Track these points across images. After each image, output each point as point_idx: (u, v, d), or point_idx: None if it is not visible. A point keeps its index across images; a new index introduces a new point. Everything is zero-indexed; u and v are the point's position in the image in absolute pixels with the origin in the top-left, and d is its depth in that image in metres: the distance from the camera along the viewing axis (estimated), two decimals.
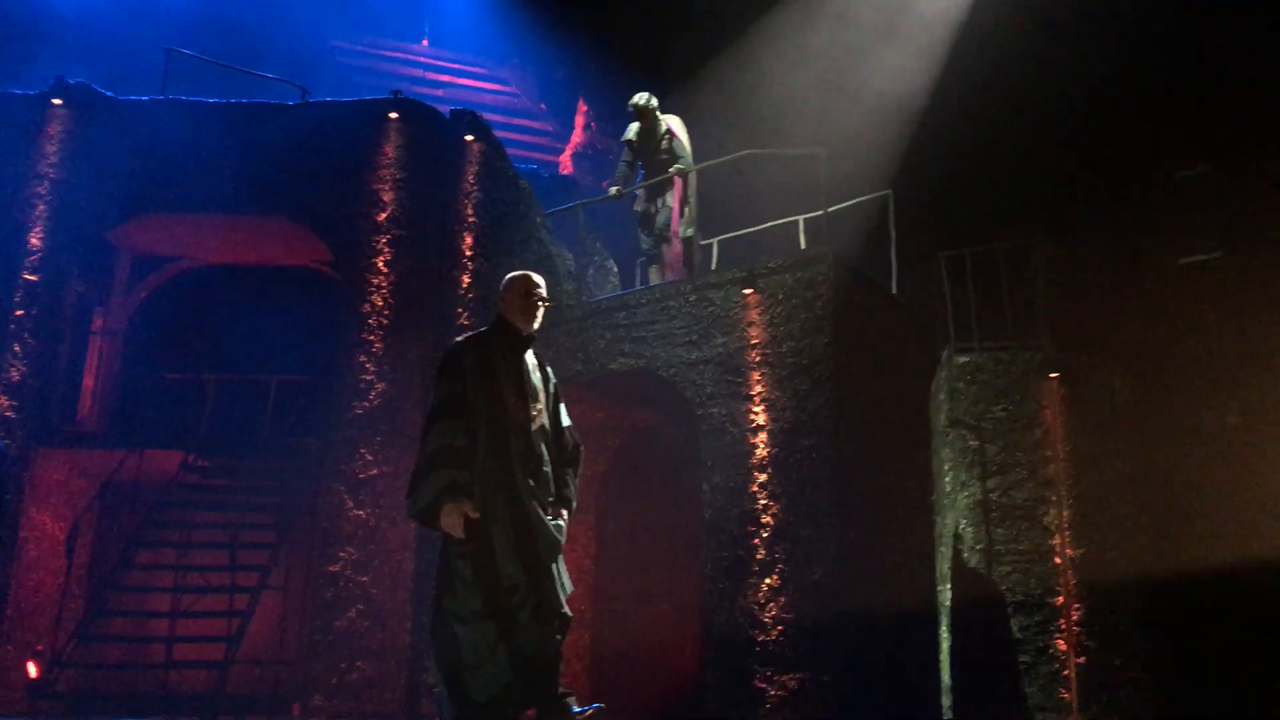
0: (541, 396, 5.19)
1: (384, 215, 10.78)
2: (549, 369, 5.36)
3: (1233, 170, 10.72)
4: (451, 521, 4.88)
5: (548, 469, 5.10)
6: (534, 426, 5.09)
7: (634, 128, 10.70)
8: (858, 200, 10.24)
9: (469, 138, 11.07)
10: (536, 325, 5.25)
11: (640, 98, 10.57)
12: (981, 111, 13.33)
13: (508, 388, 5.06)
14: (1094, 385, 9.97)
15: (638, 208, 10.67)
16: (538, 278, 5.31)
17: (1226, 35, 11.78)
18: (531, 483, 4.99)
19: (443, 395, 5.03)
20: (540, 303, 5.23)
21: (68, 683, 10.20)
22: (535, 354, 5.29)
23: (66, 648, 9.83)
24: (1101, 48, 12.54)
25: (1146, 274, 10.91)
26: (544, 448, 5.11)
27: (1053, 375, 9.93)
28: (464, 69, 18.78)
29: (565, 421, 5.29)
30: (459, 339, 5.25)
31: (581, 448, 5.37)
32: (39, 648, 10.25)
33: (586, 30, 17.04)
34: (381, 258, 10.63)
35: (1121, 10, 12.44)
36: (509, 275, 5.37)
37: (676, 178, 10.33)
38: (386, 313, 10.49)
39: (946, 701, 9.50)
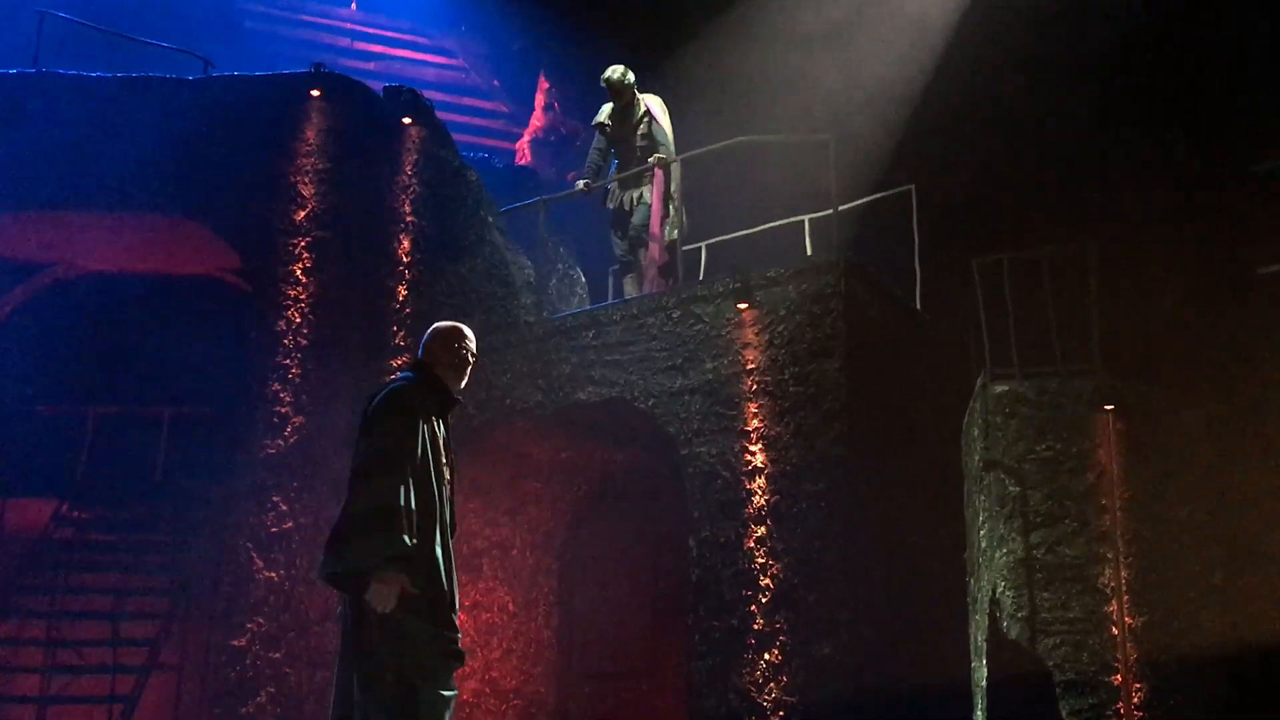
0: (450, 472, 5.45)
1: (303, 213, 10.73)
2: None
3: None
4: (386, 594, 4.94)
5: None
6: (451, 504, 5.39)
7: (607, 109, 10.72)
8: (875, 197, 10.26)
9: (406, 120, 11.07)
10: (463, 385, 5.61)
11: (615, 71, 10.58)
12: (1022, 91, 13.39)
13: (440, 453, 5.31)
14: (1158, 419, 9.99)
15: (610, 204, 10.70)
16: (469, 331, 5.64)
17: None
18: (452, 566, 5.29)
19: (389, 443, 5.14)
20: (470, 360, 5.57)
21: None
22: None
23: None
24: (1166, 18, 12.63)
25: (1220, 285, 10.94)
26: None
27: (1108, 407, 9.95)
28: (400, 38, 18.82)
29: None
30: (401, 380, 5.41)
31: None
32: None
33: None
34: (300, 265, 10.57)
35: None
36: (437, 325, 5.69)
37: (657, 169, 10.32)
38: (306, 331, 10.43)
39: None
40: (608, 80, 10.61)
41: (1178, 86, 12.45)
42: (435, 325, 5.69)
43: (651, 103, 10.66)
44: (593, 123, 10.92)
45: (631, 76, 10.62)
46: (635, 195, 10.49)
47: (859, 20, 15.00)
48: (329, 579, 5.15)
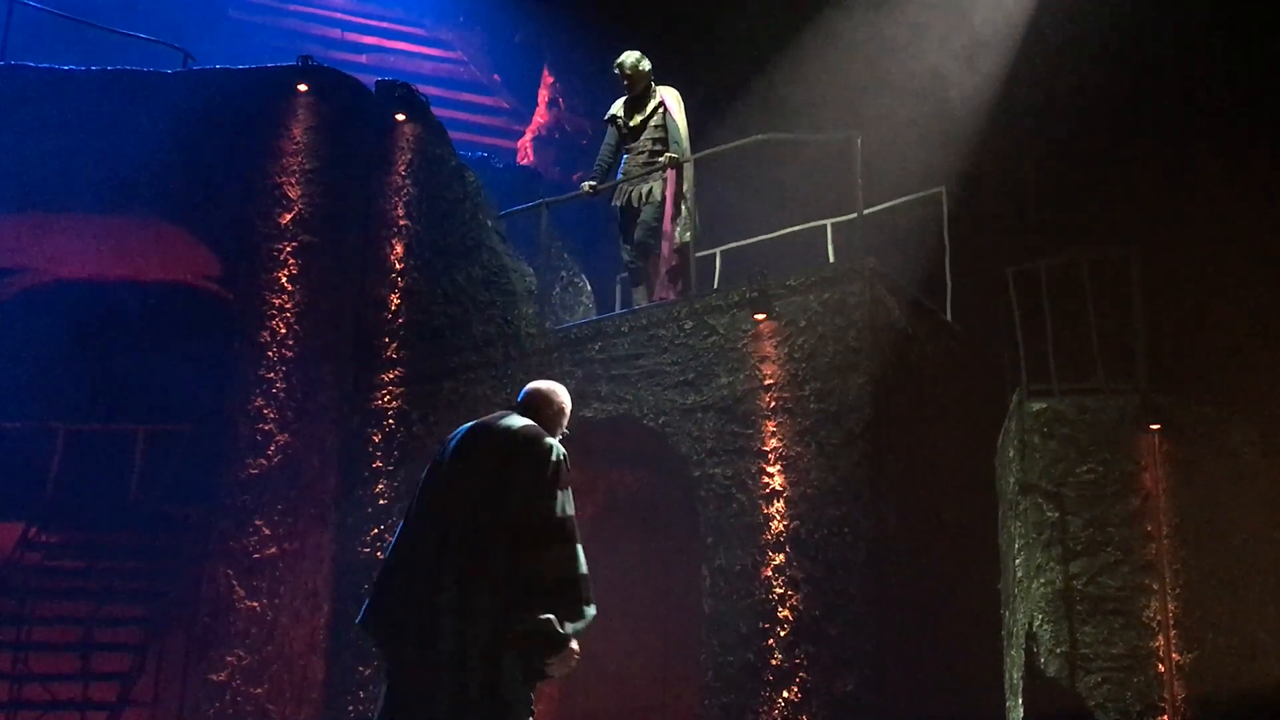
0: None
1: (289, 216, 10.78)
2: None
3: None
4: (573, 662, 5.19)
5: None
6: None
7: (619, 103, 10.75)
8: (902, 200, 10.28)
9: (400, 117, 11.13)
10: None
11: (629, 56, 10.62)
12: (1061, 85, 13.41)
13: None
14: (1208, 440, 9.99)
15: (617, 201, 10.67)
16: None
17: None
18: None
19: (569, 509, 5.41)
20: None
21: None
22: None
23: None
24: (1226, 18, 12.65)
25: (1275, 298, 10.96)
26: None
27: (1154, 427, 9.95)
28: (394, 29, 18.87)
29: None
30: (558, 444, 5.50)
31: None
32: None
33: None
34: (285, 271, 10.62)
35: None
36: (562, 394, 5.84)
37: (670, 168, 10.34)
38: (291, 343, 10.48)
39: None
40: (620, 66, 10.63)
41: (1236, 89, 12.46)
42: (558, 391, 5.83)
43: (667, 95, 10.66)
44: (605, 117, 10.92)
45: (647, 64, 10.65)
46: (645, 190, 10.44)
47: (892, 15, 15.06)
48: (565, 640, 5.07)
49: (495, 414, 5.66)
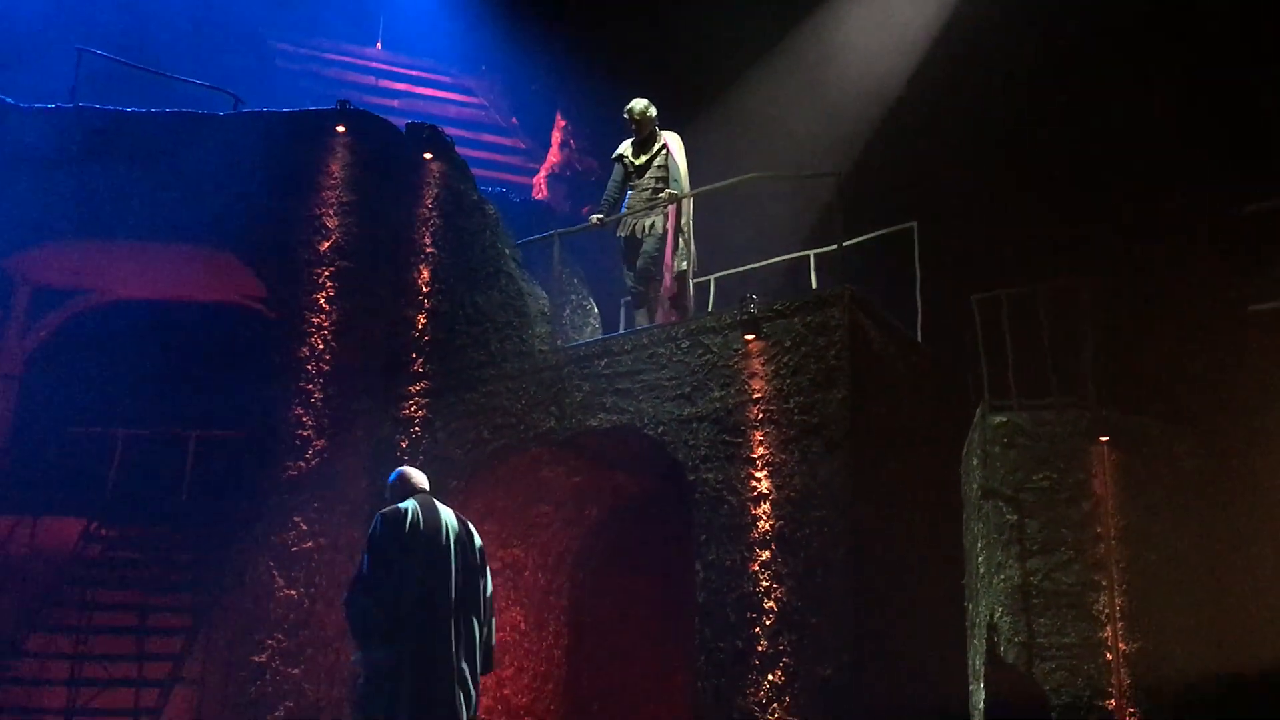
0: None
1: (327, 244, 10.78)
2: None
3: None
4: None
5: None
6: None
7: (626, 144, 10.73)
8: (878, 234, 10.25)
9: (428, 156, 11.12)
10: None
11: (638, 104, 10.61)
12: (1021, 135, 13.43)
13: None
14: (1152, 450, 9.94)
15: (623, 234, 10.64)
16: None
17: None
18: None
19: None
20: None
21: None
22: None
23: None
24: (1160, 66, 12.67)
25: (1213, 321, 10.91)
26: None
27: (1103, 439, 9.90)
28: (423, 77, 18.88)
29: None
30: None
31: None
32: None
33: (566, 35, 17.14)
34: (323, 294, 10.61)
35: (1186, 29, 12.59)
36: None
37: (670, 203, 10.33)
38: (328, 357, 10.46)
39: None
40: (630, 111, 10.62)
41: (1170, 133, 12.48)
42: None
43: (670, 138, 10.66)
44: (613, 156, 10.90)
45: (653, 110, 10.64)
46: (647, 224, 10.43)
47: (864, 70, 15.11)
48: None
49: (431, 498, 6.99)
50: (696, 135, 12.91)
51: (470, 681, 6.62)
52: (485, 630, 6.82)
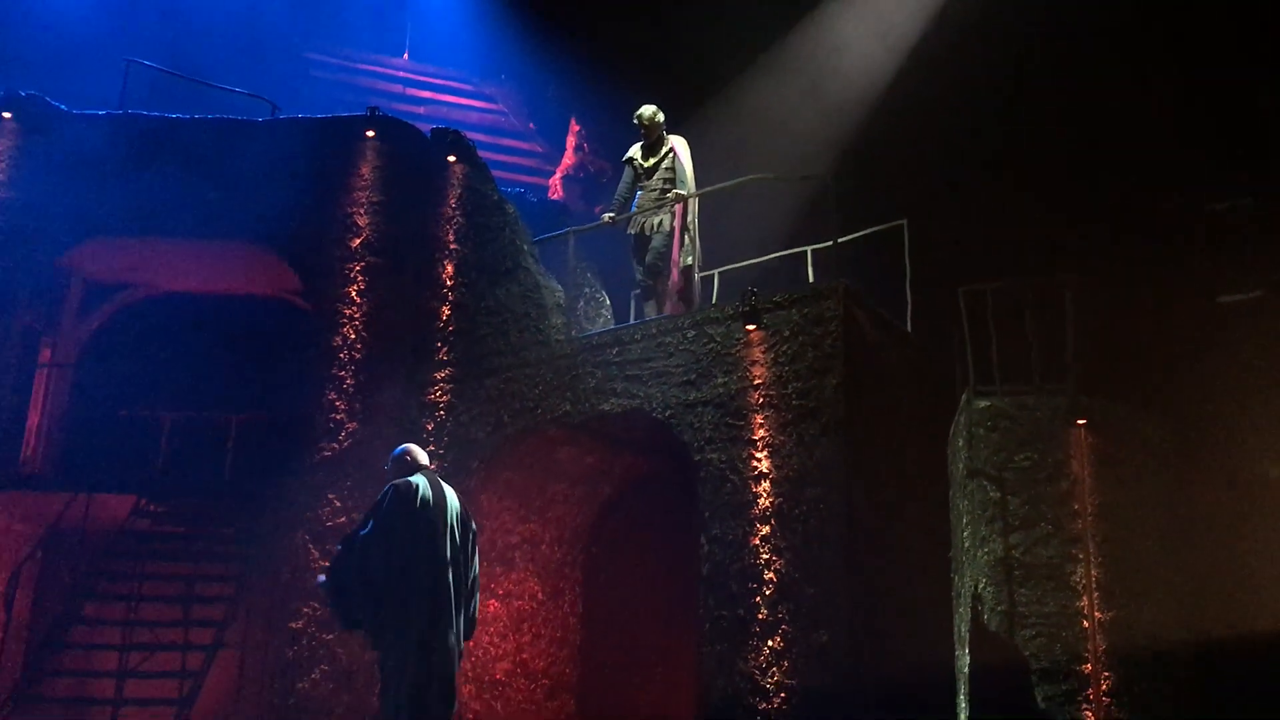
0: None
1: (358, 241, 10.79)
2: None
3: (1274, 204, 10.73)
4: None
5: None
6: None
7: (636, 147, 10.72)
8: (870, 231, 10.23)
9: (451, 158, 11.11)
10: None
11: (647, 110, 10.59)
12: (1006, 139, 13.39)
13: None
14: (1126, 433, 9.91)
15: (633, 231, 10.65)
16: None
17: (1266, 66, 11.86)
18: None
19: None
20: None
21: None
22: None
23: (3, 710, 9.71)
24: (1135, 73, 12.62)
25: (1182, 313, 10.89)
26: None
27: (1081, 422, 9.86)
28: (447, 85, 18.87)
29: None
30: None
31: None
32: None
33: (580, 45, 17.12)
34: (354, 287, 10.63)
35: (1157, 34, 12.54)
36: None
37: (677, 203, 10.32)
38: (359, 346, 10.48)
39: None
40: (640, 117, 10.60)
41: (1147, 138, 12.44)
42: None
43: (677, 142, 10.64)
44: (623, 159, 10.89)
45: (661, 116, 10.63)
46: (655, 222, 10.44)
47: (860, 73, 15.07)
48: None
49: (436, 476, 7.11)
50: (701, 135, 12.91)
51: (458, 650, 6.79)
52: (472, 603, 6.95)
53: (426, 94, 18.40)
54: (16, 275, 10.79)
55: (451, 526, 6.85)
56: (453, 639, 6.70)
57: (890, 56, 14.92)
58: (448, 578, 6.71)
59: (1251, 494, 10.03)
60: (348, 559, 6.77)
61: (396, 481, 6.88)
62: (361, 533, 6.77)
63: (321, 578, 7.03)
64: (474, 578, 6.99)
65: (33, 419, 11.53)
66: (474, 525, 7.08)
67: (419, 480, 6.89)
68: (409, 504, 6.75)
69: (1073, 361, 10.02)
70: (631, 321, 10.67)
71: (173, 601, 10.42)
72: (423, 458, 7.20)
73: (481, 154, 11.49)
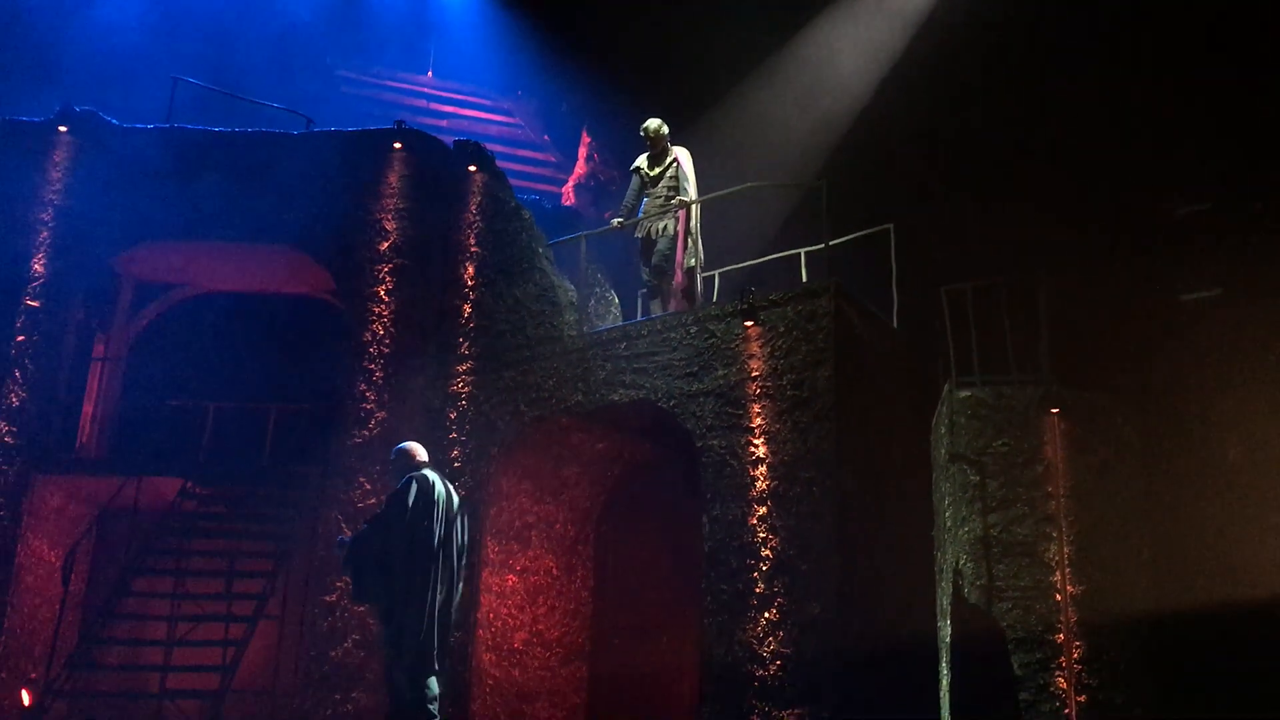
0: None
1: (386, 244, 10.85)
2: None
3: (1234, 207, 10.77)
4: None
5: None
6: None
7: (643, 157, 10.77)
8: (860, 234, 10.27)
9: (472, 168, 11.15)
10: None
11: (653, 123, 10.64)
12: (984, 150, 13.42)
13: None
14: (1096, 421, 9.94)
15: (639, 235, 10.70)
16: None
17: (1227, 71, 11.87)
18: None
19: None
20: None
21: (61, 711, 10.16)
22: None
23: (60, 676, 9.81)
24: (1103, 85, 12.65)
25: (1148, 310, 10.92)
26: None
27: (1054, 410, 9.88)
28: (468, 100, 18.89)
29: None
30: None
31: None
32: (32, 675, 10.23)
33: (591, 63, 17.17)
34: (383, 286, 10.69)
35: (1123, 47, 12.56)
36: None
37: (681, 209, 10.37)
38: (387, 341, 10.54)
39: None
40: (646, 129, 10.65)
41: (1115, 145, 12.46)
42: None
43: (680, 153, 10.68)
44: (631, 168, 10.94)
45: (666, 129, 10.67)
46: (660, 226, 10.50)
47: (848, 86, 15.10)
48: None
49: (437, 472, 7.43)
50: (701, 141, 12.95)
51: (453, 620, 7.32)
52: (461, 588, 7.40)
53: (449, 109, 18.44)
54: (73, 276, 10.87)
55: (452, 518, 7.26)
56: (452, 611, 7.25)
57: (877, 69, 14.95)
58: (449, 567, 7.18)
59: (1212, 476, 10.07)
60: (371, 540, 7.11)
61: (414, 475, 7.25)
62: (384, 519, 7.16)
63: (341, 538, 7.44)
64: (463, 566, 7.46)
65: (87, 408, 11.61)
66: (465, 519, 7.50)
67: (433, 475, 7.30)
68: (428, 497, 7.13)
69: (1046, 354, 10.05)
70: (638, 318, 10.71)
71: (216, 576, 10.45)
72: (422, 454, 7.54)
73: (500, 164, 11.51)
